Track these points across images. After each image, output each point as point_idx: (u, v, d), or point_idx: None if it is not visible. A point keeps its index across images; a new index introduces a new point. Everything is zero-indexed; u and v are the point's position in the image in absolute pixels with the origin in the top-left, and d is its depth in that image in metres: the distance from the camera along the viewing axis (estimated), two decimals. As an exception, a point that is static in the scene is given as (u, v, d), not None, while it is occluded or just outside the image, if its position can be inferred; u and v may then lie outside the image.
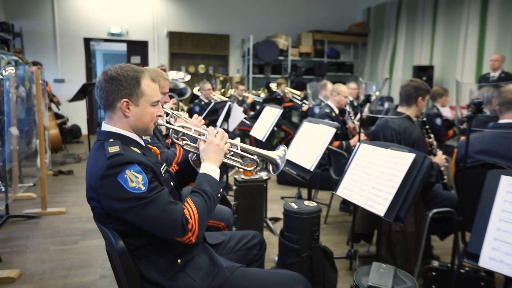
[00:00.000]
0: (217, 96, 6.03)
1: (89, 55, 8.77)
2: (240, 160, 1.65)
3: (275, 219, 3.63)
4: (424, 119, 2.62)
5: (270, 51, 8.80)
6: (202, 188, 1.38)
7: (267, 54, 8.78)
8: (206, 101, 5.80)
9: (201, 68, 9.10)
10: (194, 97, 6.68)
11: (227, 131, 4.27)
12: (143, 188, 1.23)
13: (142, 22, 8.77)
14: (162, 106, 2.32)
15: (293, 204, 2.15)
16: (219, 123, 4.09)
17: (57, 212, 3.68)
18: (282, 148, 1.64)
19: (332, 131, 2.34)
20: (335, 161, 3.46)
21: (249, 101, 6.58)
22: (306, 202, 2.18)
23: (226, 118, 3.99)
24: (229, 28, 9.27)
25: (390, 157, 1.73)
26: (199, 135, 1.58)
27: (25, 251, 2.88)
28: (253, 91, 7.60)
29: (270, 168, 1.66)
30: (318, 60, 9.47)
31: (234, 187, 3.04)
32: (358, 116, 4.56)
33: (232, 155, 1.64)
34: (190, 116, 6.02)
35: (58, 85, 8.26)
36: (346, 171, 1.98)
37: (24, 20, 8.02)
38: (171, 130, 1.56)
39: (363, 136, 3.62)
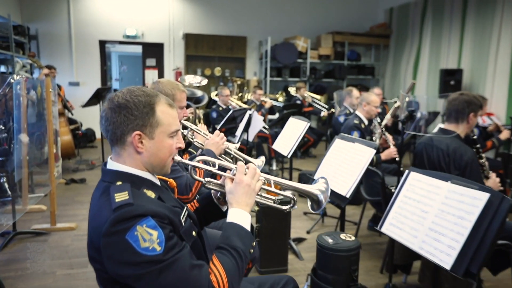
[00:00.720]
0: (235, 102, 5.78)
1: (104, 58, 8.64)
2: (273, 197, 1.37)
3: (299, 240, 3.34)
4: (475, 136, 2.30)
5: (288, 54, 8.51)
6: (231, 244, 1.11)
7: (286, 56, 8.49)
8: (224, 107, 5.55)
9: (217, 71, 8.88)
10: (211, 101, 6.45)
11: (246, 141, 4.02)
12: (158, 248, 0.97)
13: (157, 24, 8.60)
14: (180, 121, 2.07)
15: (328, 238, 1.87)
16: (238, 132, 3.84)
17: (66, 228, 3.48)
18: (322, 180, 1.37)
19: (371, 152, 2.05)
20: (365, 178, 3.16)
21: (267, 106, 6.32)
22: (342, 236, 1.90)
23: (246, 128, 3.73)
24: (246, 29, 9.02)
25: (452, 193, 1.44)
26: (225, 170, 1.30)
27: (30, 275, 2.67)
28: (271, 95, 7.32)
29: (309, 204, 1.39)
30: (338, 63, 9.13)
31: (256, 208, 2.77)
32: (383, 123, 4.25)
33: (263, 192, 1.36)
34: (207, 123, 5.73)
35: (73, 88, 8.14)
36: (393, 204, 1.69)
37: (40, 23, 7.93)
38: (190, 166, 1.29)
39: (392, 149, 3.32)
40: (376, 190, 2.89)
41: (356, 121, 3.52)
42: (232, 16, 8.96)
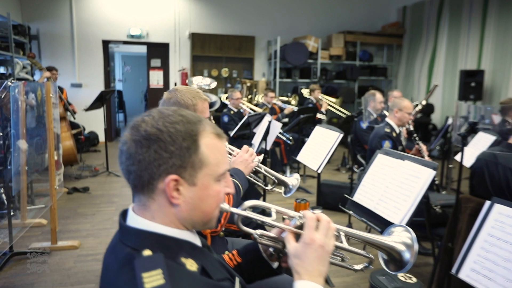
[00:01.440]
0: (246, 105, 5.46)
1: (108, 58, 8.34)
2: (342, 254, 1.04)
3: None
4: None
5: (298, 54, 8.19)
6: None
7: (296, 57, 8.17)
8: (235, 110, 5.23)
9: (225, 72, 8.57)
10: (221, 105, 6.13)
11: (264, 149, 3.69)
12: None
13: (163, 23, 8.29)
14: None
15: (384, 280, 1.55)
16: (256, 141, 3.51)
17: (69, 246, 3.16)
18: (401, 229, 1.03)
19: (430, 174, 1.73)
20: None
21: (286, 112, 6.01)
22: (401, 276, 1.58)
23: (265, 137, 3.40)
24: (254, 29, 8.71)
25: None
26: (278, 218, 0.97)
27: (28, 307, 2.36)
28: (282, 97, 6.99)
29: (381, 259, 1.06)
30: (350, 63, 8.80)
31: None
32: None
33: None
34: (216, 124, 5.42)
35: (75, 90, 7.84)
36: (472, 244, 1.36)
37: (41, 22, 7.63)
38: (236, 216, 0.95)
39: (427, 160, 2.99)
40: (418, 209, 2.57)
41: (387, 130, 3.19)
42: (240, 15, 8.64)
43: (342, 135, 2.60)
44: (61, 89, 5.80)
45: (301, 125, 4.98)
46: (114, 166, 5.98)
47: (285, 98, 6.67)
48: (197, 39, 8.40)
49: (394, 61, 9.36)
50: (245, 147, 1.78)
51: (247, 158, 1.73)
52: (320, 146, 2.73)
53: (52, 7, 7.69)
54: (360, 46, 8.92)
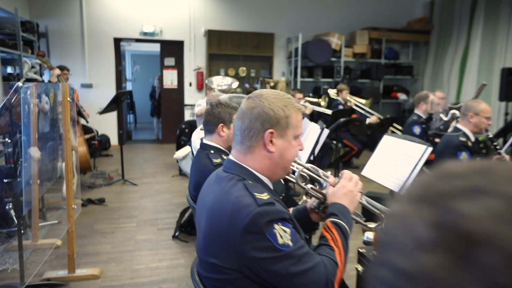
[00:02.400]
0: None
1: (119, 57, 7.90)
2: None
3: None
4: None
5: (321, 52, 7.69)
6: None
7: (319, 55, 7.68)
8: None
9: (242, 71, 8.11)
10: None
11: (308, 159, 3.22)
12: None
13: (177, 20, 7.84)
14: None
15: None
16: (306, 152, 3.04)
17: (88, 276, 2.71)
18: None
19: None
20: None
21: (307, 111, 5.54)
22: None
23: (316, 145, 2.94)
24: (273, 26, 8.24)
25: None
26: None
27: None
28: (309, 98, 6.50)
29: None
30: (375, 62, 8.30)
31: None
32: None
33: None
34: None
35: (85, 91, 7.41)
36: None
37: (49, 19, 7.21)
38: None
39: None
40: None
41: (462, 138, 2.70)
42: (258, 11, 8.17)
43: (431, 148, 2.10)
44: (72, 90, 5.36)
45: (339, 130, 4.50)
46: (129, 173, 5.54)
47: (315, 99, 6.17)
48: (213, 37, 7.95)
49: (420, 59, 8.84)
50: (347, 172, 1.28)
51: (352, 189, 1.24)
52: (397, 161, 2.22)
53: (61, 3, 7.26)
54: (385, 43, 8.41)
